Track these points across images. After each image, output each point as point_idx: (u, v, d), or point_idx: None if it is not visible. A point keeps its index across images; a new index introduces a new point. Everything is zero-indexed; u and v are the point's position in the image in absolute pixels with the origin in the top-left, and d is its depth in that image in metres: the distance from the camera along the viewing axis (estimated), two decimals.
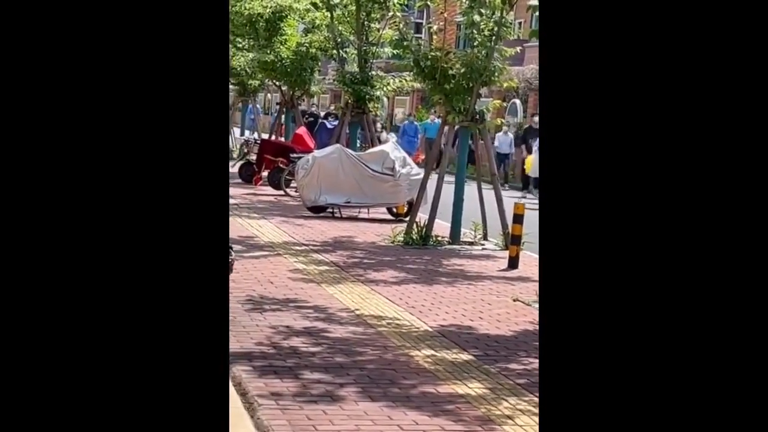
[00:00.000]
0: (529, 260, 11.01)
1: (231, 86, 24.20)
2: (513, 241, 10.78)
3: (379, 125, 27.62)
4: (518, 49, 13.55)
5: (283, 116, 22.80)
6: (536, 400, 5.52)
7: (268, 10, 19.80)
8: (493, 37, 11.50)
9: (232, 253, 6.97)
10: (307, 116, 24.52)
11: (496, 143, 23.95)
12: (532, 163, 19.48)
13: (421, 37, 15.39)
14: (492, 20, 11.50)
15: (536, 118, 21.50)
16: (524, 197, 20.05)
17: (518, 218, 10.79)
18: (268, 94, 41.61)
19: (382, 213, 14.35)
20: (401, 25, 12.80)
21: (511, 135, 24.41)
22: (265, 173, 17.15)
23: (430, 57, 11.79)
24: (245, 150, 19.30)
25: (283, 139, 21.40)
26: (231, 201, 13.47)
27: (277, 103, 23.44)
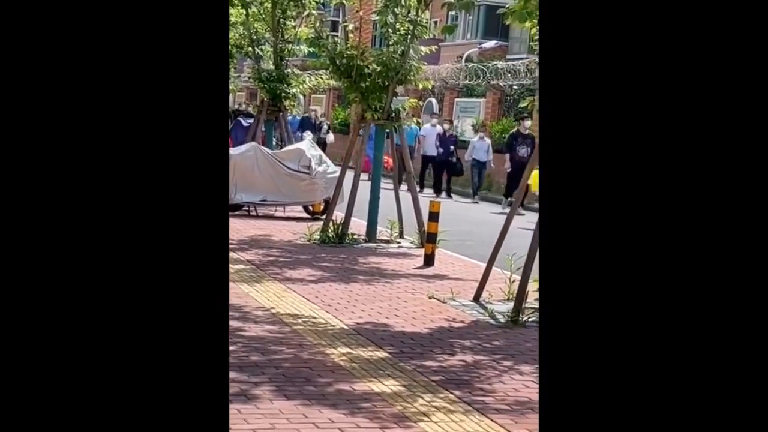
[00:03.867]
0: (445, 258, 11.10)
1: None
2: (429, 238, 10.84)
3: (325, 126, 27.22)
4: (434, 48, 13.64)
5: None
6: (451, 396, 5.56)
7: None
8: (409, 36, 11.56)
9: None
10: (243, 115, 24.14)
11: (469, 150, 21.34)
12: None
13: (337, 36, 15.38)
14: (407, 19, 11.55)
15: (527, 123, 19.42)
16: (504, 210, 19.49)
17: (434, 216, 10.86)
18: None
19: (298, 211, 14.32)
20: (317, 24, 12.78)
21: (488, 141, 21.66)
22: None
23: (345, 55, 11.80)
24: None
25: None
26: None
27: None
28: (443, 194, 21.50)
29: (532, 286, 7.67)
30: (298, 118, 28.76)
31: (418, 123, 16.41)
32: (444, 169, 22.30)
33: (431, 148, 22.41)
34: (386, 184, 12.68)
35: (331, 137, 26.40)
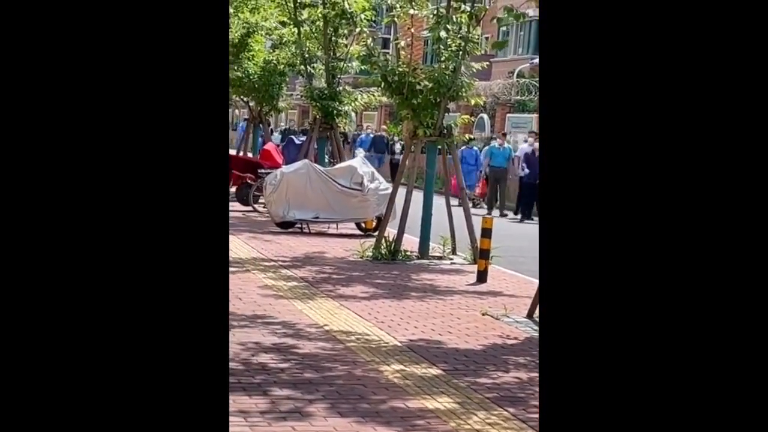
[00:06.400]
0: (498, 274, 11.05)
1: None
2: (481, 255, 10.80)
3: (399, 146, 27.14)
4: (485, 63, 13.62)
5: (251, 132, 22.78)
6: (506, 413, 5.52)
7: (237, 33, 19.69)
8: (460, 53, 11.56)
9: None
10: (294, 133, 24.21)
11: None
12: None
13: (388, 53, 15.42)
14: (459, 36, 11.56)
15: None
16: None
17: (486, 232, 10.82)
18: (236, 110, 41.56)
19: (350, 228, 14.35)
20: (369, 41, 12.83)
21: None
22: (232, 189, 17.10)
23: (397, 72, 11.83)
24: None
25: (251, 154, 21.38)
26: None
27: (244, 119, 23.37)
28: (527, 219, 19.07)
29: None
30: (371, 136, 28.73)
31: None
32: (531, 192, 19.01)
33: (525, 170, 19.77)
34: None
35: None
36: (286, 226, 13.84)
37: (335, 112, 16.04)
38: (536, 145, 19.65)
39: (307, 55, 16.84)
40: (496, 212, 19.48)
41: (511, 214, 19.75)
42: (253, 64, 19.87)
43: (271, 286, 9.41)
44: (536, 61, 33.32)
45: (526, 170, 19.45)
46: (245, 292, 8.86)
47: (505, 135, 22.41)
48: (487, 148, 21.74)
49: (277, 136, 27.11)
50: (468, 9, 11.54)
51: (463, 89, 11.74)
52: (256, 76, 19.68)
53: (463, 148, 22.33)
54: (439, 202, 12.40)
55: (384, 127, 30.34)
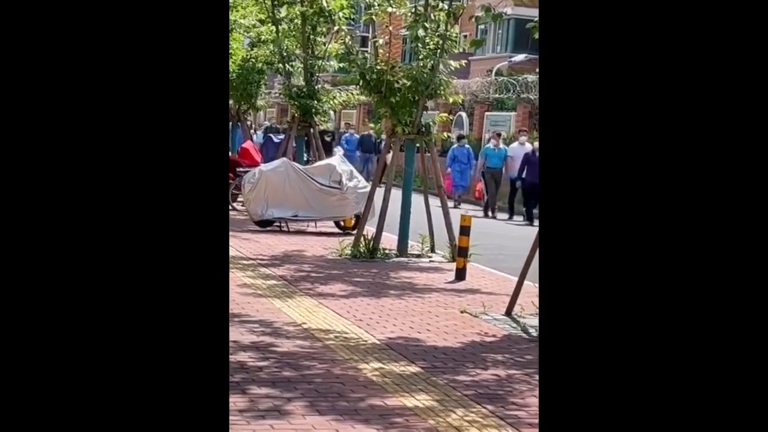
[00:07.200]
0: (476, 272, 11.07)
1: None
2: (460, 253, 10.82)
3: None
4: (463, 62, 13.64)
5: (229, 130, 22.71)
6: (484, 411, 5.54)
7: None
8: (438, 51, 11.58)
9: None
10: (327, 134, 23.92)
11: None
12: None
13: (366, 51, 15.42)
14: (437, 34, 11.58)
15: None
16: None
17: (465, 230, 10.84)
18: None
19: (329, 226, 14.35)
20: (347, 39, 12.83)
21: None
22: None
23: (375, 70, 11.83)
24: None
25: (229, 153, 21.32)
26: None
27: None
28: (522, 219, 18.42)
29: None
30: (356, 136, 28.62)
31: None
32: (532, 195, 17.78)
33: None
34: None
35: (389, 156, 26.00)
36: (265, 225, 13.82)
37: (314, 110, 16.03)
38: (534, 144, 18.65)
39: (285, 54, 16.81)
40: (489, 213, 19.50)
41: (501, 215, 19.59)
42: (232, 62, 19.82)
43: (249, 284, 9.40)
44: (515, 58, 33.43)
45: (524, 174, 18.36)
46: None
47: (499, 135, 21.56)
48: (482, 149, 21.20)
49: (260, 135, 27.02)
50: (446, 7, 11.56)
51: (441, 87, 11.76)
52: (234, 74, 19.64)
53: (455, 146, 22.22)
54: (417, 199, 12.41)
55: (372, 125, 30.32)
